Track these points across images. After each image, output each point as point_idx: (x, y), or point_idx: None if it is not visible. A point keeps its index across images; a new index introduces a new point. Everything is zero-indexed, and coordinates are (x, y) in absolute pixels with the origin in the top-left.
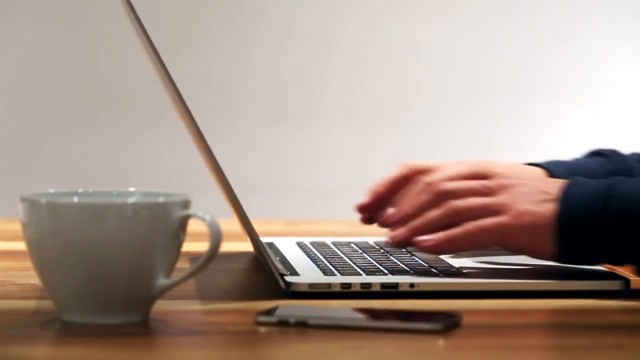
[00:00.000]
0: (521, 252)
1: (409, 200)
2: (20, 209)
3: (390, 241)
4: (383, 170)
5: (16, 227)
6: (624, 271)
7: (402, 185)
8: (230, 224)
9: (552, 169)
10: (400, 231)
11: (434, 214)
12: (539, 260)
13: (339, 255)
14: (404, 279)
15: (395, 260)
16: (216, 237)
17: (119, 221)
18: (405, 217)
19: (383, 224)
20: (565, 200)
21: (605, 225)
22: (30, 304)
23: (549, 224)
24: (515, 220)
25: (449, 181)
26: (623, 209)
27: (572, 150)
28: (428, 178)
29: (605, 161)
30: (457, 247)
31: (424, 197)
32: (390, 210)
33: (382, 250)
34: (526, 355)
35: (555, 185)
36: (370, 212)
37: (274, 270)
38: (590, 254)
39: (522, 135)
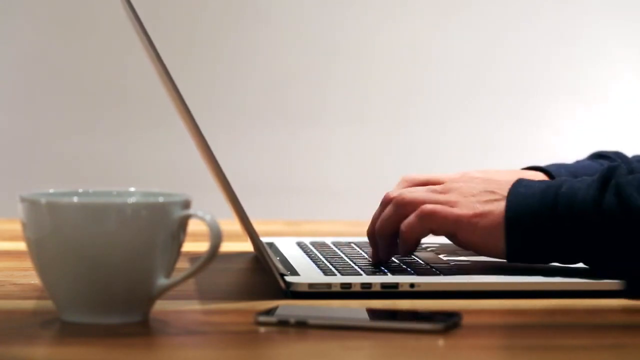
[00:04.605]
0: (472, 249)
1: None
2: (20, 209)
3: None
4: (383, 170)
5: (16, 227)
6: None
7: None
8: (230, 224)
9: (554, 172)
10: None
11: (386, 211)
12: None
13: (339, 255)
14: (404, 279)
15: (396, 260)
16: (216, 237)
17: (119, 221)
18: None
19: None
20: (512, 199)
21: (552, 225)
22: (30, 304)
23: (498, 222)
24: (468, 214)
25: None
26: (569, 208)
27: (574, 151)
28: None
29: (607, 163)
30: (413, 231)
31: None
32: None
33: None
34: (526, 355)
35: (504, 186)
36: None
37: (274, 270)
38: (540, 253)
39: (524, 136)
